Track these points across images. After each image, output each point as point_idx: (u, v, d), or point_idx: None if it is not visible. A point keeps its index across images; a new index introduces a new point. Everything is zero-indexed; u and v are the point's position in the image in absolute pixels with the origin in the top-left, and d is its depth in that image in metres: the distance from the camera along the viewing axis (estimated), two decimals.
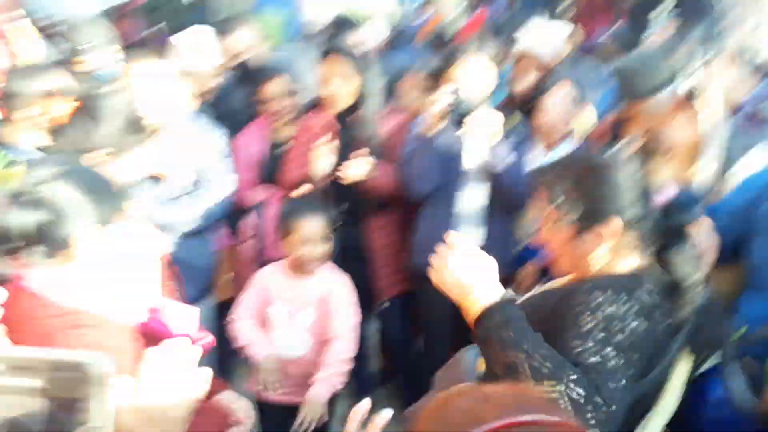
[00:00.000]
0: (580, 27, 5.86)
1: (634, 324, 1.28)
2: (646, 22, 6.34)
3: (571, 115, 2.85)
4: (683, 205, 1.88)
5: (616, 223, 1.39)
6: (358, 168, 2.75)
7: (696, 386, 1.53)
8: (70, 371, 0.74)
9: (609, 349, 1.24)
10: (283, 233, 2.45)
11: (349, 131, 2.91)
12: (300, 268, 2.46)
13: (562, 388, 1.18)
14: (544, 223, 1.49)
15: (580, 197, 1.42)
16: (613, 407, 1.20)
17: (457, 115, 2.53)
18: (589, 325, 1.27)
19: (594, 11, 6.66)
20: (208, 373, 1.15)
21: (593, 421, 1.18)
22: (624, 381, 1.24)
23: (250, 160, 3.16)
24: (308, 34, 5.24)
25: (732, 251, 1.93)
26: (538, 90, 3.09)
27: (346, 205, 2.85)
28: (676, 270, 1.40)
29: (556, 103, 2.82)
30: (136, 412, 1.07)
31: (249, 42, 3.33)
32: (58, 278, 1.39)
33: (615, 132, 2.94)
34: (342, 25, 6.07)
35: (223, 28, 3.34)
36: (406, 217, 3.07)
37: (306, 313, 2.46)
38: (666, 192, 1.95)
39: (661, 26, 3.32)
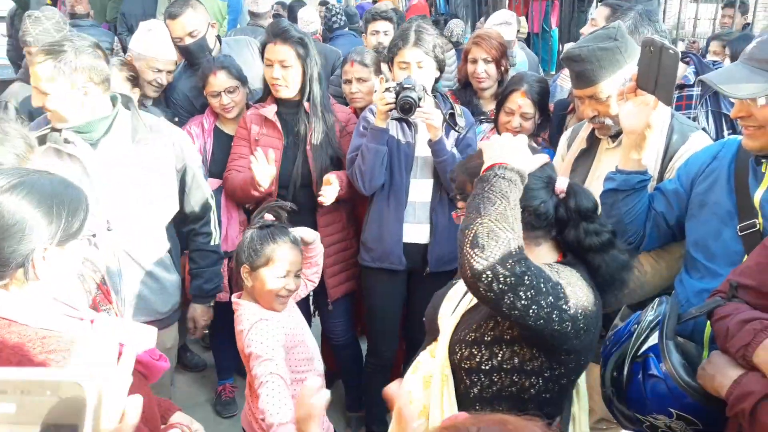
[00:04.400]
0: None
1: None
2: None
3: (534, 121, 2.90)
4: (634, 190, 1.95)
5: None
6: (330, 193, 2.69)
7: (638, 363, 1.62)
8: (53, 393, 0.63)
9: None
10: (255, 263, 2.16)
11: (295, 123, 2.84)
12: (269, 304, 2.18)
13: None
14: (460, 212, 1.54)
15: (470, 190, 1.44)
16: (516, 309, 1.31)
17: (408, 104, 2.48)
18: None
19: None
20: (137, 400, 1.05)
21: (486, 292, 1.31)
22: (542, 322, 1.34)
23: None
24: (254, 19, 5.18)
25: (673, 234, 2.01)
26: (502, 84, 3.12)
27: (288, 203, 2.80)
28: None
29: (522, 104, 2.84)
30: None
31: (196, 25, 3.27)
32: (22, 299, 1.28)
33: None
34: (288, 10, 6.06)
35: (170, 12, 3.26)
36: (353, 214, 3.04)
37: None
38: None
39: (596, 12, 3.39)
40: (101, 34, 5.04)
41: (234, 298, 2.25)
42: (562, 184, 1.51)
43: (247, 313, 2.16)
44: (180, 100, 3.33)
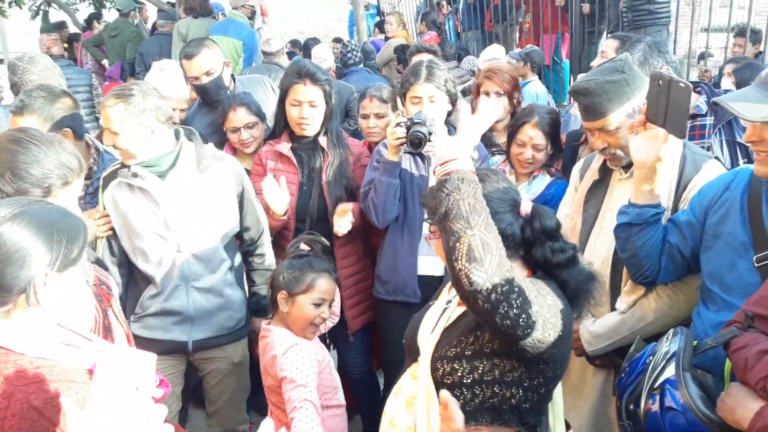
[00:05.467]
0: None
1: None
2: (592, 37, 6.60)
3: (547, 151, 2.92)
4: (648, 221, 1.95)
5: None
6: (345, 223, 2.73)
7: (654, 395, 1.61)
8: None
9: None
10: (294, 290, 2.22)
11: (311, 158, 2.90)
12: (301, 332, 2.23)
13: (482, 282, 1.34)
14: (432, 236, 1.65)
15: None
16: (500, 315, 1.35)
17: (418, 138, 2.52)
18: None
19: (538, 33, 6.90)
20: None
21: (477, 305, 1.35)
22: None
23: None
24: (267, 57, 5.31)
25: (688, 266, 1.99)
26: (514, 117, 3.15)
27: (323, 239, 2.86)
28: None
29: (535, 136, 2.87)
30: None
31: (212, 65, 3.35)
32: (18, 326, 1.33)
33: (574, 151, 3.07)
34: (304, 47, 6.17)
35: (186, 52, 3.34)
36: (369, 245, 3.07)
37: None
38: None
39: (605, 44, 3.43)
40: (77, 72, 5.24)
41: (264, 324, 2.32)
42: (526, 206, 1.59)
43: (280, 339, 2.21)
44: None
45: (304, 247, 2.34)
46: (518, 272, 1.56)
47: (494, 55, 5.10)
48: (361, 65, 5.54)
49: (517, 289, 1.36)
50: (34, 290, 1.32)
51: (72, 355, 1.35)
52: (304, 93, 2.80)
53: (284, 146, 2.90)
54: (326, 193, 2.86)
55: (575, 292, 1.56)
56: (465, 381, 1.51)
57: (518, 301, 1.36)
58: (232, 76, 3.59)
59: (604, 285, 2.21)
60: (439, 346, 1.59)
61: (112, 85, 6.51)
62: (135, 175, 2.41)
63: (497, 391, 1.49)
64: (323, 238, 2.49)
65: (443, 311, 1.71)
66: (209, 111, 3.35)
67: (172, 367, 2.64)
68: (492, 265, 1.33)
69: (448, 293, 1.77)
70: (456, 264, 1.35)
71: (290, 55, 7.93)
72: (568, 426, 2.59)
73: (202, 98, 3.44)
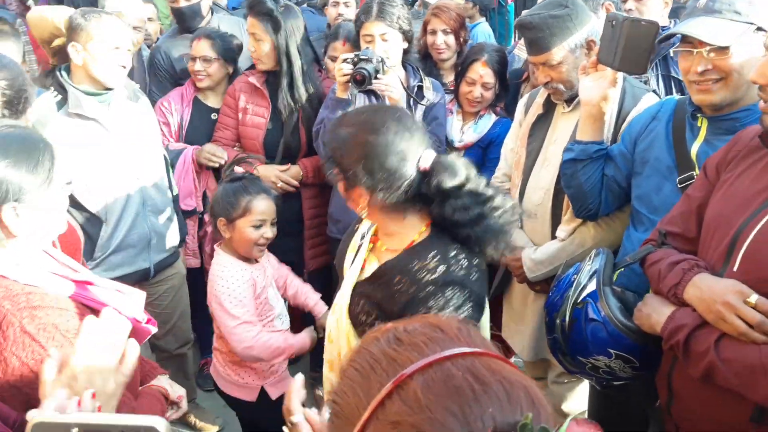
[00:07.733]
0: None
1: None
2: None
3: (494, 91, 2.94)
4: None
5: (360, 191, 1.53)
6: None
7: (579, 309, 1.73)
8: None
9: None
10: (232, 215, 2.22)
11: (279, 95, 2.88)
12: (249, 253, 2.26)
13: None
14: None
15: (335, 158, 1.55)
16: None
17: (362, 75, 2.50)
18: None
19: None
20: (134, 346, 1.20)
21: None
22: None
23: (174, 121, 3.14)
24: None
25: (625, 194, 2.08)
26: (461, 55, 3.15)
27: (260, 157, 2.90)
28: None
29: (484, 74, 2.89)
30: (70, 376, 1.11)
31: None
32: (10, 254, 1.36)
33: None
34: None
35: None
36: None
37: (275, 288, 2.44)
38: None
39: None
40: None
41: (216, 246, 2.36)
42: (425, 162, 1.50)
43: (218, 264, 2.26)
44: (162, 61, 3.38)
45: (238, 169, 2.35)
46: (416, 224, 1.58)
47: None
48: (305, 5, 5.40)
49: None
50: (21, 219, 1.34)
51: (57, 284, 1.39)
52: (249, 24, 2.79)
53: (257, 78, 2.88)
54: (302, 130, 2.88)
55: (478, 243, 1.51)
56: (376, 324, 1.52)
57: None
58: (212, 9, 3.53)
59: (545, 214, 2.32)
60: (360, 285, 1.62)
61: None
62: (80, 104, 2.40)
63: None
64: (261, 156, 2.53)
65: (363, 236, 1.73)
66: (183, 40, 3.30)
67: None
68: None
69: (361, 226, 1.78)
70: None
71: None
72: (511, 350, 2.74)
73: (177, 22, 3.40)
